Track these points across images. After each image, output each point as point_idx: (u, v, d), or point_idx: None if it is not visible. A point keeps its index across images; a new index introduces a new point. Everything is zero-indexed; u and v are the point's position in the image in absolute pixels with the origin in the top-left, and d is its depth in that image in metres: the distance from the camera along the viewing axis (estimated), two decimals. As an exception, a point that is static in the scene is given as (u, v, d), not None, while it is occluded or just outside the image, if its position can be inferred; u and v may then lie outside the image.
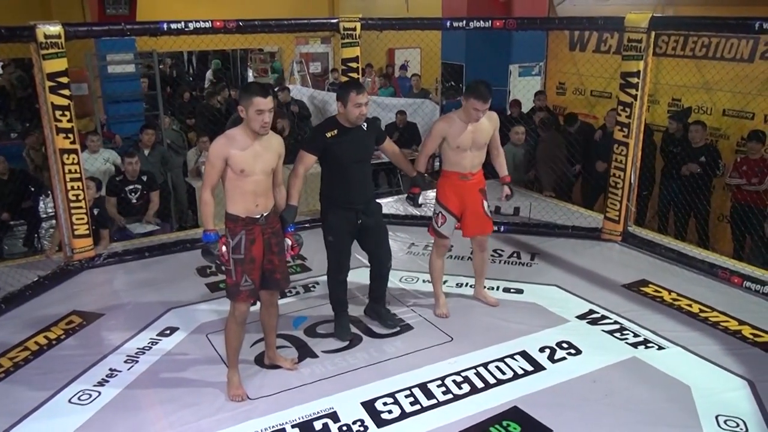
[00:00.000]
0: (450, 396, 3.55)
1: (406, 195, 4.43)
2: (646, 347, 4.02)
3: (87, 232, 5.27)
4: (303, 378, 3.73)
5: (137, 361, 3.94)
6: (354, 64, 5.88)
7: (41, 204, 7.63)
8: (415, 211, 6.29)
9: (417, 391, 3.58)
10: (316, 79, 14.02)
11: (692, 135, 6.31)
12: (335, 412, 3.42)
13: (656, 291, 4.80)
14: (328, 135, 3.89)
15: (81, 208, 5.19)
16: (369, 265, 4.30)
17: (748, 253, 5.97)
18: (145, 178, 6.35)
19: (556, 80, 8.62)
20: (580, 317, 4.42)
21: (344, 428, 3.30)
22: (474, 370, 3.77)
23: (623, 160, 5.55)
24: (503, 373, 3.76)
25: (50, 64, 4.86)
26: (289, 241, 3.65)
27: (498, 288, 4.83)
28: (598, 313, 4.47)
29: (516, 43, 8.77)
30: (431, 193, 4.96)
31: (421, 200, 4.39)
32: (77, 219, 5.19)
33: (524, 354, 3.94)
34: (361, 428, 3.30)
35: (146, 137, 7.12)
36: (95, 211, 5.53)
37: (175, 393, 3.61)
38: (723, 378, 3.71)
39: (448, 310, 4.44)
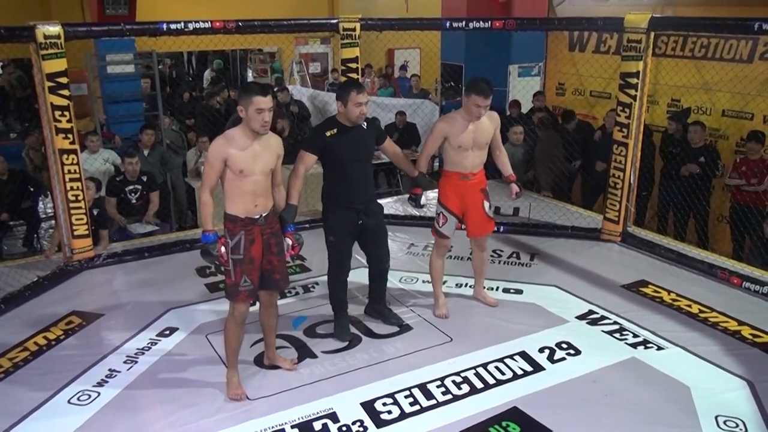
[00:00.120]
0: (449, 396, 3.55)
1: (408, 196, 4.42)
2: (646, 347, 4.02)
3: (86, 232, 5.27)
4: (302, 378, 3.73)
5: (137, 362, 3.94)
6: (353, 65, 5.88)
7: (41, 204, 7.63)
8: (415, 212, 6.29)
9: (416, 392, 3.58)
10: (316, 80, 14.03)
11: (691, 135, 6.31)
12: (335, 413, 3.42)
13: (656, 291, 4.81)
14: (328, 134, 3.89)
15: (80, 208, 5.19)
16: (367, 265, 4.30)
17: (747, 253, 5.97)
18: (145, 179, 6.34)
19: (556, 81, 8.62)
20: (580, 317, 4.42)
21: (344, 428, 3.30)
22: (473, 371, 3.77)
23: (623, 161, 5.56)
24: (503, 373, 3.76)
25: (50, 64, 4.86)
26: (289, 241, 3.64)
27: (497, 288, 4.84)
28: (597, 313, 4.47)
29: (515, 44, 8.78)
30: (432, 194, 4.95)
31: (423, 201, 4.39)
32: (77, 219, 5.19)
33: (524, 354, 3.95)
34: (361, 428, 3.30)
35: (146, 137, 7.12)
36: (95, 212, 5.52)
37: (175, 393, 3.61)
38: (722, 378, 3.71)
39: (448, 310, 4.44)
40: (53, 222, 6.27)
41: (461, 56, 9.29)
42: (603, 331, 4.24)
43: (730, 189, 6.29)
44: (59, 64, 4.90)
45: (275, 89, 9.51)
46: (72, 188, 5.12)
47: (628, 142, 5.49)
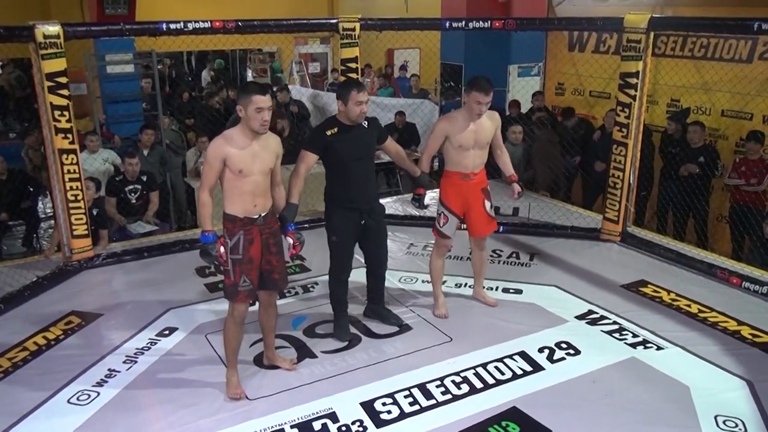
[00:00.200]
0: (449, 396, 3.55)
1: (411, 197, 4.41)
2: (645, 347, 4.02)
3: (86, 232, 5.27)
4: (302, 378, 3.73)
5: (136, 362, 3.94)
6: (353, 65, 5.88)
7: (40, 204, 7.63)
8: (414, 212, 6.29)
9: (416, 392, 3.58)
10: (315, 80, 14.03)
11: (691, 135, 6.32)
12: (334, 413, 3.42)
13: (655, 291, 4.81)
14: (329, 133, 3.90)
15: (80, 208, 5.19)
16: (365, 265, 4.30)
17: (746, 253, 5.97)
18: (144, 179, 6.34)
19: (555, 81, 8.62)
20: (579, 317, 4.42)
21: (343, 428, 3.30)
22: (473, 371, 3.77)
23: (622, 161, 5.56)
24: (502, 373, 3.76)
25: (49, 64, 4.86)
26: (290, 240, 3.64)
27: (497, 288, 4.84)
28: (597, 313, 4.47)
29: (515, 44, 8.78)
30: (432, 194, 4.94)
31: (426, 201, 4.38)
32: (76, 219, 5.19)
33: (523, 354, 3.95)
34: (360, 428, 3.30)
35: (145, 137, 7.12)
36: (94, 212, 5.52)
37: (174, 393, 3.61)
38: (722, 378, 3.71)
39: (447, 310, 4.44)
40: (52, 222, 6.27)
41: (461, 56, 9.29)
42: (602, 330, 4.24)
43: (730, 189, 6.29)
44: (59, 64, 4.90)
45: (274, 89, 9.51)
46: (71, 188, 5.12)
47: (628, 142, 5.50)
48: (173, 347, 4.11)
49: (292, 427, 3.32)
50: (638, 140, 5.53)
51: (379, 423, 3.33)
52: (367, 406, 3.47)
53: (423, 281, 4.92)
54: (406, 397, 3.54)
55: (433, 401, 3.51)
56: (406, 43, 12.62)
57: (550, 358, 3.91)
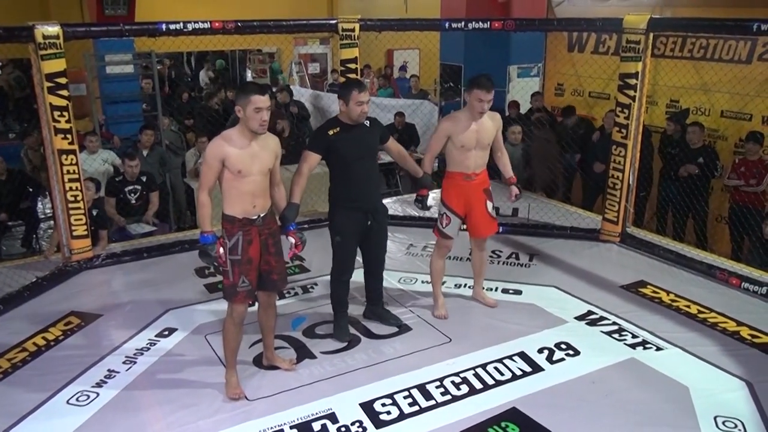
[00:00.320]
0: (449, 397, 3.55)
1: (414, 198, 4.41)
2: (645, 348, 4.02)
3: (85, 232, 5.27)
4: (301, 379, 3.73)
5: (136, 362, 3.93)
6: (353, 65, 5.88)
7: (39, 204, 7.63)
8: (414, 212, 6.29)
9: (416, 392, 3.58)
10: (315, 80, 14.03)
11: (690, 136, 6.32)
12: (334, 413, 3.41)
13: (654, 292, 4.81)
14: (331, 133, 3.91)
15: (79, 208, 5.19)
16: (363, 263, 4.29)
17: (746, 254, 5.97)
18: (144, 179, 6.34)
19: (555, 81, 8.62)
20: (579, 318, 4.42)
21: (343, 429, 3.30)
22: (472, 371, 3.77)
23: (621, 162, 5.56)
24: (502, 374, 3.76)
25: (49, 64, 4.85)
26: (292, 240, 3.64)
27: (496, 289, 4.84)
28: (596, 314, 4.47)
29: (514, 45, 8.79)
30: (434, 194, 4.94)
31: (429, 202, 4.38)
32: (75, 220, 5.19)
33: (523, 355, 3.95)
34: (360, 429, 3.30)
35: (145, 138, 7.12)
36: (94, 212, 5.52)
37: (174, 394, 3.60)
38: (721, 379, 3.71)
39: (447, 311, 4.44)
40: (52, 222, 6.27)
41: (460, 57, 9.30)
42: (602, 331, 4.24)
43: (729, 190, 6.29)
44: (58, 65, 4.90)
45: (274, 90, 9.51)
46: (71, 188, 5.12)
47: (627, 142, 5.50)
48: (173, 348, 4.11)
49: (291, 427, 3.32)
50: (638, 141, 5.53)
51: (379, 424, 3.33)
52: (367, 406, 3.47)
53: (422, 282, 4.92)
54: (405, 397, 3.54)
55: (432, 402, 3.51)
56: (406, 44, 12.63)
57: (550, 359, 3.91)
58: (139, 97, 9.26)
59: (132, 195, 6.29)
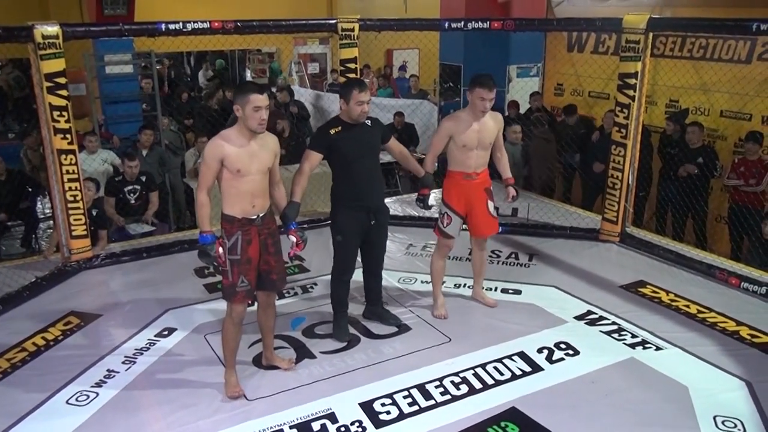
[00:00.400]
0: (448, 397, 3.55)
1: (415, 197, 4.41)
2: (644, 348, 4.02)
3: (84, 232, 5.27)
4: (301, 379, 3.73)
5: (135, 362, 3.93)
6: (352, 65, 5.88)
7: (39, 205, 7.62)
8: (414, 212, 6.29)
9: (415, 392, 3.58)
10: (315, 80, 14.03)
11: (689, 136, 6.32)
12: (333, 413, 3.41)
13: (654, 292, 4.81)
14: (333, 132, 3.92)
15: (79, 208, 5.18)
16: (362, 263, 4.29)
17: (745, 254, 5.97)
18: (143, 179, 6.34)
19: (555, 81, 8.62)
20: (578, 318, 4.42)
21: (342, 429, 3.30)
22: (472, 371, 3.77)
23: (621, 161, 5.56)
24: (501, 374, 3.76)
25: (48, 64, 4.85)
26: (293, 238, 3.64)
27: (496, 289, 4.84)
28: (596, 313, 4.48)
29: (514, 44, 8.80)
30: (434, 194, 4.94)
31: (431, 201, 4.37)
32: (75, 220, 5.18)
33: (522, 355, 3.95)
34: (359, 429, 3.30)
35: (144, 138, 7.11)
36: (94, 212, 5.52)
37: (173, 394, 3.60)
38: (721, 379, 3.71)
39: (447, 311, 4.44)
40: (51, 222, 6.26)
41: (460, 57, 9.30)
42: (601, 331, 4.24)
43: (729, 189, 6.29)
44: (57, 65, 4.89)
45: (274, 89, 9.51)
46: (70, 188, 5.12)
47: (627, 142, 5.50)
48: (172, 348, 4.11)
49: (291, 427, 3.32)
50: (637, 141, 5.53)
51: (378, 424, 3.33)
52: (366, 406, 3.47)
53: (422, 282, 4.92)
54: (405, 397, 3.54)
55: (432, 402, 3.51)
56: (405, 44, 12.63)
57: (549, 359, 3.91)
58: (138, 97, 9.26)
59: (131, 195, 6.29)
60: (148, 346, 4.13)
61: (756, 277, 4.87)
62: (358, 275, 4.29)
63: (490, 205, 4.35)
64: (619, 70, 5.45)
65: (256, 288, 3.54)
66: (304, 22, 6.50)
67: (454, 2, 9.38)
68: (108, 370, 3.84)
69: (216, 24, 5.32)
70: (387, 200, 6.77)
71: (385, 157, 6.45)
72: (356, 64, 5.91)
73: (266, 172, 3.45)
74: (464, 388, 3.62)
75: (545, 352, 3.98)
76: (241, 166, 3.32)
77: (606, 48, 7.77)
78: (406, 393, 3.57)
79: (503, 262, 5.39)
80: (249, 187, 3.37)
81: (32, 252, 6.79)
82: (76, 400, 3.56)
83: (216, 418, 3.38)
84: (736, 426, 3.28)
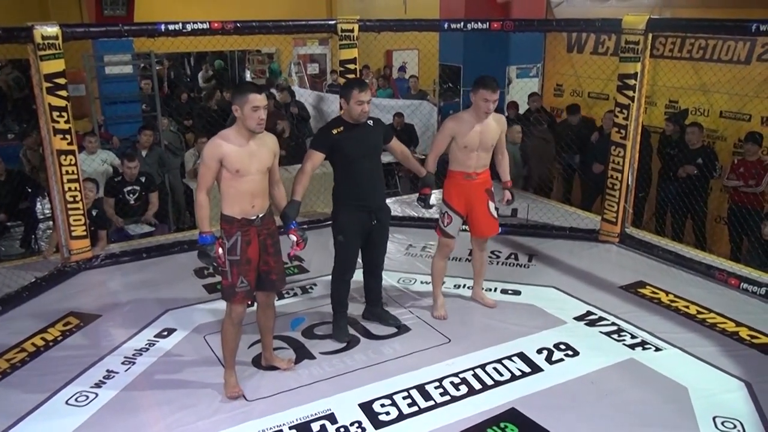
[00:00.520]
0: (448, 397, 3.55)
1: (417, 196, 4.42)
2: (644, 348, 4.02)
3: (84, 233, 5.27)
4: (300, 379, 3.73)
5: (134, 363, 3.93)
6: (352, 66, 5.89)
7: (38, 205, 7.62)
8: (413, 213, 6.30)
9: (415, 393, 3.58)
10: (314, 81, 14.03)
11: (689, 137, 6.32)
12: (333, 414, 3.41)
13: (653, 292, 4.81)
14: (335, 132, 3.93)
15: (78, 209, 5.18)
16: (362, 262, 4.29)
17: (745, 254, 5.98)
18: (143, 179, 6.34)
19: (554, 82, 8.62)
20: (578, 319, 4.42)
21: (342, 430, 3.30)
22: (472, 372, 3.77)
23: (620, 162, 5.57)
24: (501, 374, 3.76)
25: (48, 65, 4.85)
26: (293, 237, 3.64)
27: (495, 289, 4.84)
28: (595, 314, 4.48)
29: (514, 45, 8.80)
30: (435, 194, 4.94)
31: (432, 201, 4.37)
32: (74, 220, 5.18)
33: (522, 355, 3.95)
34: (359, 430, 3.30)
35: (144, 138, 7.12)
36: (94, 212, 5.52)
37: (173, 394, 3.60)
38: (720, 379, 3.71)
39: (446, 311, 4.44)
40: (51, 223, 6.26)
41: (459, 57, 9.30)
42: (601, 332, 4.24)
43: (728, 190, 6.30)
44: (57, 65, 4.89)
45: (273, 90, 9.51)
46: (70, 189, 5.12)
47: (626, 143, 5.50)
48: (172, 348, 4.11)
49: (290, 428, 3.32)
50: (636, 141, 5.53)
51: (378, 424, 3.33)
52: (366, 407, 3.47)
53: (421, 282, 4.92)
54: (404, 398, 3.54)
55: (431, 402, 3.51)
56: (405, 45, 12.62)
57: (549, 359, 3.91)
58: (138, 97, 9.26)
59: (131, 195, 6.29)
60: (147, 346, 4.13)
61: (755, 277, 4.87)
62: (357, 276, 4.29)
63: (491, 205, 4.36)
64: (619, 71, 5.45)
65: (255, 288, 3.54)
66: (303, 22, 6.50)
67: (453, 3, 9.38)
68: (107, 371, 3.84)
69: (215, 24, 5.32)
70: (386, 201, 6.81)
71: (384, 158, 6.45)
72: (356, 64, 5.91)
73: (266, 171, 3.45)
74: (464, 389, 3.62)
75: (545, 352, 3.98)
76: (241, 166, 3.32)
77: (605, 49, 7.78)
78: (405, 394, 3.57)
79: (503, 263, 5.39)
80: (248, 187, 3.37)
81: (32, 252, 6.79)
82: (76, 400, 3.56)
83: (215, 419, 3.38)
84: (735, 427, 3.28)
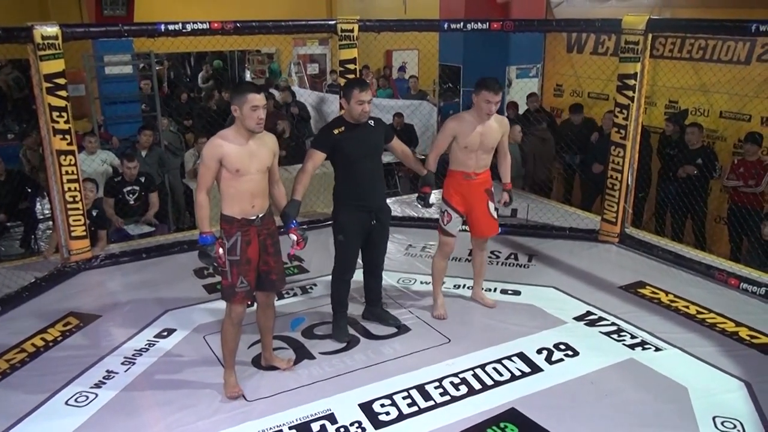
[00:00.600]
0: (447, 397, 3.55)
1: (416, 195, 4.42)
2: (644, 349, 4.02)
3: (84, 233, 5.27)
4: (300, 379, 3.73)
5: (134, 363, 3.93)
6: (352, 66, 5.89)
7: (38, 205, 7.62)
8: (413, 213, 6.30)
9: (414, 393, 3.58)
10: (314, 81, 14.03)
11: (689, 137, 6.33)
12: (332, 414, 3.41)
13: (653, 293, 4.81)
14: (336, 132, 3.93)
15: (78, 209, 5.18)
16: (362, 262, 4.29)
17: (744, 254, 5.98)
18: (143, 180, 6.34)
19: (554, 82, 8.63)
20: (578, 319, 4.42)
21: (341, 430, 3.30)
22: (471, 372, 3.77)
23: (620, 162, 5.57)
24: (501, 374, 3.76)
25: (47, 65, 4.85)
26: (294, 237, 3.64)
27: (495, 289, 4.84)
28: (595, 314, 4.48)
29: (513, 45, 8.79)
30: (436, 193, 4.95)
31: (432, 200, 4.38)
32: (74, 220, 5.18)
33: (522, 356, 3.94)
34: (359, 430, 3.30)
35: (144, 138, 7.12)
36: (94, 213, 5.52)
37: (173, 395, 3.60)
38: (720, 379, 3.71)
39: (446, 311, 4.44)
40: (51, 223, 6.25)
41: (459, 57, 9.30)
42: (601, 332, 4.24)
43: (728, 190, 6.30)
44: (57, 65, 4.89)
45: (272, 89, 9.51)
46: (69, 189, 5.12)
47: (626, 143, 5.50)
48: (171, 348, 4.11)
49: (290, 428, 3.32)
50: (636, 141, 5.53)
51: (378, 424, 3.33)
52: (366, 407, 3.47)
53: (421, 282, 4.92)
54: (404, 398, 3.54)
55: (431, 402, 3.51)
56: (405, 45, 12.63)
57: (549, 360, 3.91)
58: (138, 97, 9.26)
59: (131, 195, 6.29)
60: (147, 346, 4.13)
61: (755, 277, 4.87)
62: (357, 276, 4.29)
63: (491, 205, 4.36)
64: (619, 71, 5.45)
65: (255, 288, 3.54)
66: (303, 22, 6.50)
67: (453, 3, 9.38)
68: (107, 371, 3.84)
69: (215, 24, 5.32)
70: (387, 201, 6.81)
71: (384, 158, 6.44)
72: (356, 64, 5.91)
73: (265, 171, 3.45)
74: (463, 389, 3.62)
75: (544, 352, 3.98)
76: (240, 165, 3.32)
77: (605, 49, 7.78)
78: (405, 394, 3.57)
79: (502, 263, 5.39)
80: (248, 187, 3.37)
81: (31, 253, 6.79)
82: (76, 401, 3.56)
83: (215, 419, 3.38)
84: (735, 427, 3.28)
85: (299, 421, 3.36)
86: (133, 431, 3.33)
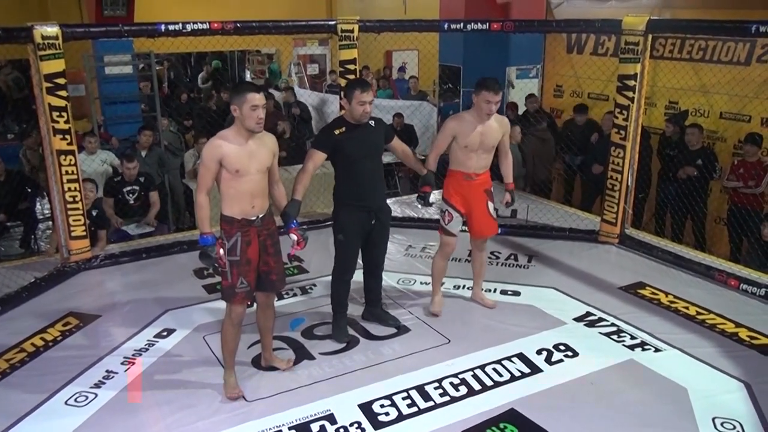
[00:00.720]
0: (447, 398, 3.55)
1: (416, 195, 4.43)
2: (643, 349, 4.02)
3: (84, 233, 5.26)
4: (300, 380, 3.73)
5: (134, 363, 3.93)
6: (352, 66, 5.89)
7: (38, 205, 7.62)
8: (413, 213, 6.30)
9: (414, 393, 3.58)
10: (314, 81, 14.03)
11: (689, 138, 6.33)
12: (332, 414, 3.41)
13: (653, 293, 4.81)
14: (337, 132, 3.94)
15: (78, 209, 5.18)
16: (362, 263, 4.29)
17: (744, 255, 5.98)
18: (142, 180, 6.34)
19: (554, 83, 8.62)
20: (578, 319, 4.42)
21: (341, 430, 3.30)
22: (471, 372, 3.77)
23: (620, 163, 5.57)
24: (500, 375, 3.76)
25: (47, 65, 4.85)
26: (294, 237, 3.64)
27: (495, 290, 4.84)
28: (595, 315, 4.48)
29: (513, 46, 8.80)
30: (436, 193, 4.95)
31: (432, 199, 4.38)
32: (74, 220, 5.18)
33: (521, 356, 3.95)
34: (358, 430, 3.30)
35: (144, 138, 7.12)
36: (94, 213, 5.52)
37: (172, 395, 3.60)
38: (720, 380, 3.71)
39: (441, 309, 4.44)
40: (50, 223, 6.25)
41: (459, 58, 9.31)
42: (600, 332, 4.25)
43: (728, 191, 6.30)
44: (57, 65, 4.89)
45: (270, 90, 9.52)
46: (69, 189, 5.11)
47: (626, 144, 5.50)
48: (171, 348, 4.11)
49: (290, 428, 3.32)
50: (636, 142, 5.54)
51: (377, 425, 3.33)
52: (365, 407, 3.47)
53: (421, 283, 4.92)
54: (404, 398, 3.54)
55: (431, 403, 3.51)
56: (405, 45, 12.62)
57: (548, 360, 3.91)
58: (137, 97, 9.26)
59: (130, 195, 6.29)
60: (147, 346, 4.12)
61: (755, 278, 4.87)
62: (357, 276, 4.30)
63: (490, 206, 4.37)
64: (619, 72, 5.46)
65: (255, 289, 3.54)
66: (303, 23, 6.50)
67: (453, 3, 9.39)
68: (107, 371, 3.84)
69: (215, 25, 5.32)
70: (387, 201, 6.81)
71: (384, 158, 6.45)
72: (356, 65, 5.91)
73: (265, 171, 3.45)
74: (463, 390, 3.62)
75: (544, 353, 3.98)
76: (240, 166, 3.32)
77: (605, 49, 7.78)
78: (405, 394, 3.57)
79: (502, 264, 5.39)
80: (248, 187, 3.37)
81: (31, 253, 6.79)
82: (75, 400, 3.56)
83: (215, 419, 3.38)
84: (735, 427, 3.28)
85: (299, 422, 3.36)
86: (132, 431, 3.33)
